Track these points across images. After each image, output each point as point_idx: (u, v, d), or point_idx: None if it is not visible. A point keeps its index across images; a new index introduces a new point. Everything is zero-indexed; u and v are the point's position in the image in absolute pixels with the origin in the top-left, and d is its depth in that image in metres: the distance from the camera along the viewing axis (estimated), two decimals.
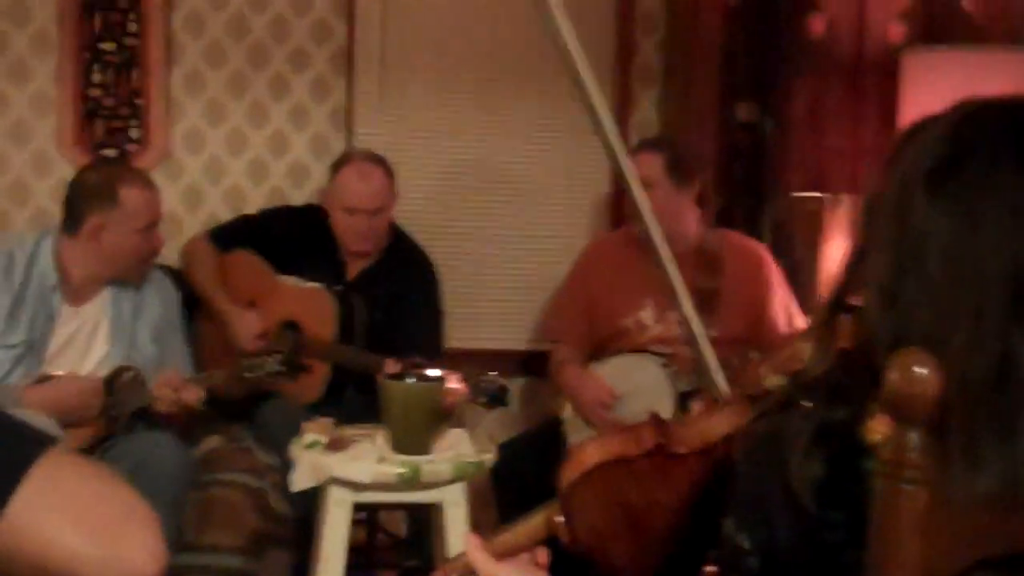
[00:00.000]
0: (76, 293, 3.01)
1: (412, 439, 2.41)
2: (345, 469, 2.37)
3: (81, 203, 2.97)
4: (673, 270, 1.47)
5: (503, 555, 1.29)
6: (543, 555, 1.29)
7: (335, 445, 2.49)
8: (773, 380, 1.07)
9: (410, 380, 2.46)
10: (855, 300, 1.02)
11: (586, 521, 1.18)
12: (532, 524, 1.26)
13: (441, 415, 2.47)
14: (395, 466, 2.36)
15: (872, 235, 1.00)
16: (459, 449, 2.47)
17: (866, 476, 0.92)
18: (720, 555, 1.07)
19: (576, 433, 3.27)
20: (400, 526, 3.57)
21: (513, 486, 3.03)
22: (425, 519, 3.25)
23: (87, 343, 3.02)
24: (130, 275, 3.06)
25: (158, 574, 0.95)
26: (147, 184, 3.06)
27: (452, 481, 2.43)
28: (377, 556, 3.52)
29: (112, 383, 2.89)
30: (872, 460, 0.91)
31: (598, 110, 1.43)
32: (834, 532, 0.96)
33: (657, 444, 1.12)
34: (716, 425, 1.12)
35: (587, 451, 1.17)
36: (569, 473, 1.18)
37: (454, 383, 2.55)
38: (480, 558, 1.27)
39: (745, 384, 1.09)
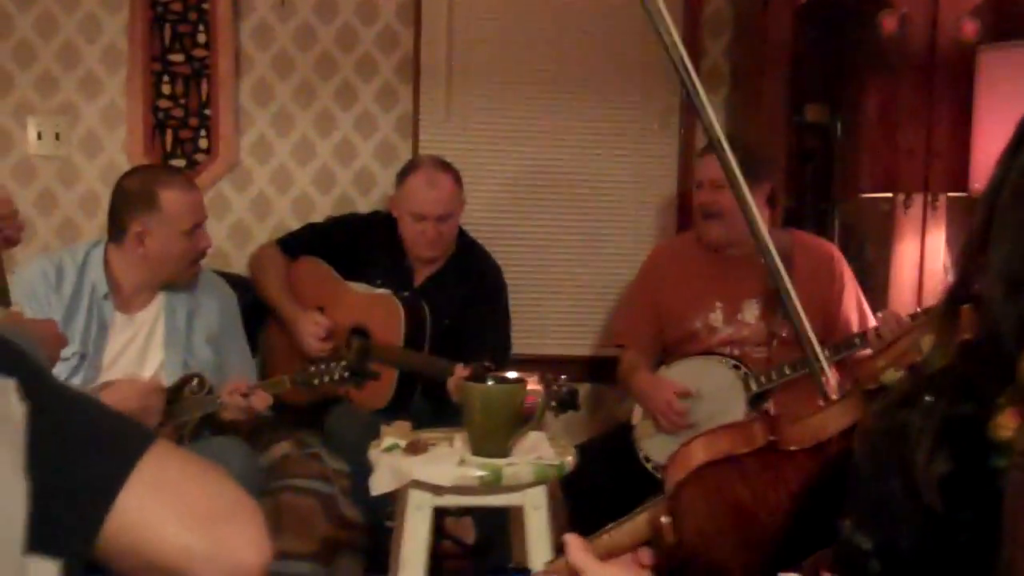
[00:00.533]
0: (128, 301, 2.99)
1: (492, 442, 2.38)
2: (426, 472, 2.33)
3: (123, 210, 2.93)
4: (784, 276, 1.44)
5: (605, 556, 1.27)
6: (646, 556, 1.27)
7: (413, 448, 2.46)
8: (891, 374, 1.04)
9: (490, 382, 2.44)
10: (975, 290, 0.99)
11: (693, 521, 1.16)
12: (635, 524, 1.24)
13: (521, 417, 2.44)
14: (476, 469, 2.33)
15: (995, 223, 0.97)
16: (540, 452, 2.44)
17: (996, 473, 0.89)
18: (837, 557, 1.03)
19: (646, 439, 3.25)
20: (468, 532, 3.56)
21: (583, 491, 3.01)
22: (494, 525, 3.24)
23: (142, 351, 2.99)
24: (180, 278, 3.02)
25: (264, 568, 0.94)
26: (188, 185, 2.99)
27: (533, 484, 2.39)
28: (444, 563, 3.50)
29: (179, 391, 2.89)
30: (1002, 457, 0.88)
31: (710, 120, 1.43)
32: (962, 532, 0.93)
33: (768, 441, 1.10)
34: (830, 421, 1.09)
35: (694, 449, 1.15)
36: (676, 472, 1.15)
37: (533, 385, 2.53)
38: (583, 559, 1.25)
39: (861, 378, 1.06)
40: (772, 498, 1.11)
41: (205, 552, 0.91)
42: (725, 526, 1.14)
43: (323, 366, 2.98)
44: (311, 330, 3.33)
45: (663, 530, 1.19)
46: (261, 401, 2.91)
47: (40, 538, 0.84)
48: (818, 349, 1.43)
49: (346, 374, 2.95)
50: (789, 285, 1.50)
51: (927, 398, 0.96)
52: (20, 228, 2.48)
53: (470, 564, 3.52)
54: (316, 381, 2.99)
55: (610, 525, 1.28)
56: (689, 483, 1.14)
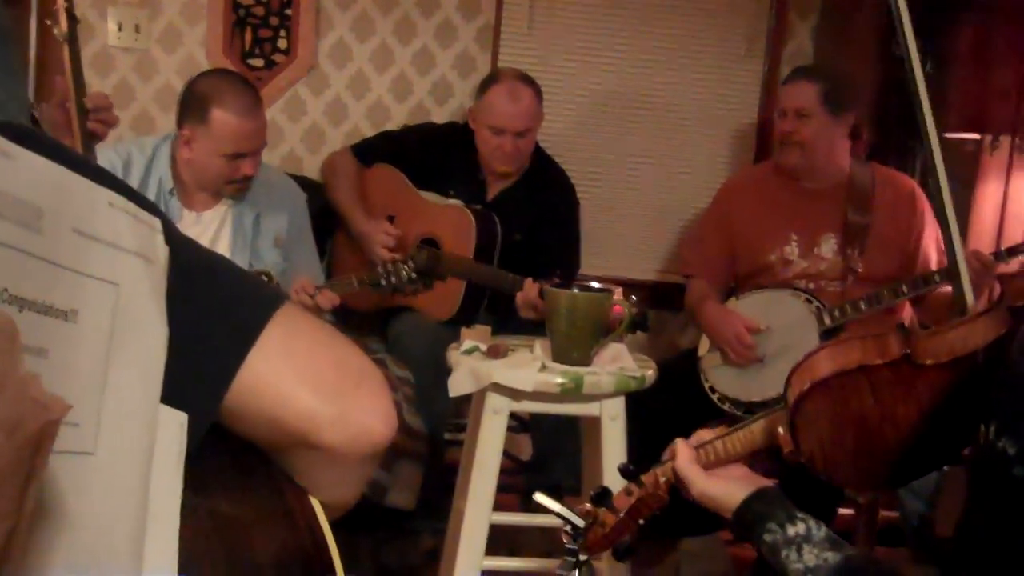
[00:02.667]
0: (194, 198, 2.96)
1: (574, 350, 2.35)
2: (507, 376, 2.31)
3: (182, 109, 2.92)
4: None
5: (712, 464, 1.26)
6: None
7: (494, 352, 2.45)
8: None
9: (576, 290, 2.42)
10: None
11: (814, 432, 1.14)
12: (750, 433, 1.23)
13: (605, 328, 2.42)
14: (557, 376, 2.31)
15: None
16: (621, 363, 2.41)
17: None
18: (977, 463, 1.02)
19: (713, 369, 3.22)
20: (523, 450, 3.57)
21: (643, 415, 3.00)
22: (550, 444, 3.25)
23: None
24: (217, 191, 2.97)
25: (389, 437, 0.93)
26: (245, 111, 2.88)
27: (613, 395, 2.38)
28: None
29: None
30: None
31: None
32: None
33: (903, 354, 1.07)
34: (969, 336, 1.06)
35: (821, 360, 1.13)
36: (801, 381, 1.13)
37: (619, 296, 2.50)
38: (691, 470, 1.24)
39: (1009, 294, 1.03)
40: (900, 413, 1.09)
41: (331, 416, 0.90)
42: (847, 438, 1.12)
43: (390, 267, 2.98)
44: (380, 239, 3.32)
45: (780, 440, 1.17)
46: (327, 300, 2.90)
47: (169, 389, 0.83)
48: (964, 266, 1.40)
49: (413, 275, 2.94)
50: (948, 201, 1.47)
51: None
52: (111, 123, 2.48)
53: (523, 481, 3.54)
54: (383, 282, 2.98)
55: (716, 431, 1.27)
56: (814, 393, 1.12)
